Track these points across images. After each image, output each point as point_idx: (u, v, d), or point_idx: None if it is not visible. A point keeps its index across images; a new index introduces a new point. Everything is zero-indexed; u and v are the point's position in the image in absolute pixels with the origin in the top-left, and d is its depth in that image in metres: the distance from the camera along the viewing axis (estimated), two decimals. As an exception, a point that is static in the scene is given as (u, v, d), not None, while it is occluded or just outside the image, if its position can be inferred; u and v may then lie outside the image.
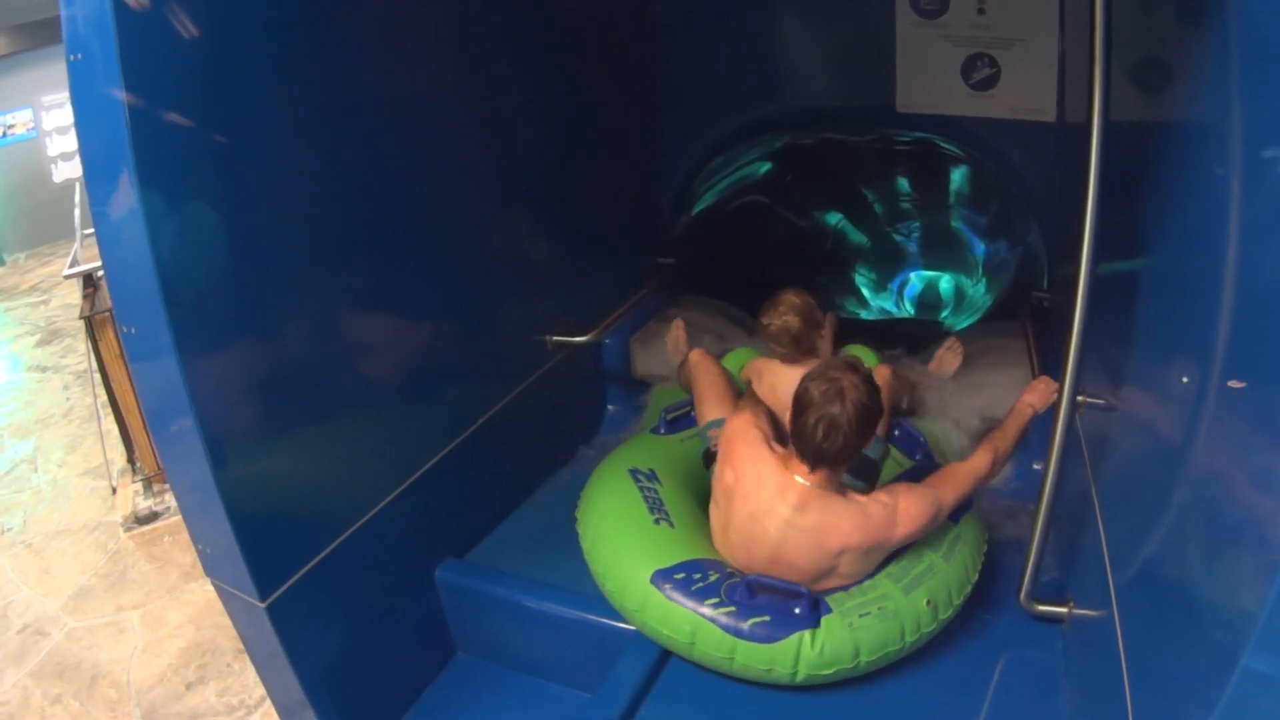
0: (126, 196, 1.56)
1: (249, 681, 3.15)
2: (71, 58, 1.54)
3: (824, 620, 2.01)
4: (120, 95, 1.50)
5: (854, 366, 2.06)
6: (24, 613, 3.74)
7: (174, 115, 1.62)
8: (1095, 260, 1.95)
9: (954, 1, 2.99)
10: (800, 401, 2.04)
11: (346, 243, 2.09)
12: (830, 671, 2.02)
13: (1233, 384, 0.97)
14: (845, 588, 2.13)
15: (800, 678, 2.02)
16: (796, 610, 2.01)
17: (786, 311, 2.64)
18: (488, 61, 2.54)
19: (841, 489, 2.13)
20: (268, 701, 2.35)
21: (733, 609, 2.03)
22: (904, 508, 2.09)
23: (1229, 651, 1.01)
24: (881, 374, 2.73)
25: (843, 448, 2.01)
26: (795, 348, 2.67)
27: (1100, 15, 1.85)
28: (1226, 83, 1.30)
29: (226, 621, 2.08)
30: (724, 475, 2.22)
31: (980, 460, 2.30)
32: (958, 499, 2.22)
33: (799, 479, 2.08)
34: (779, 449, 2.19)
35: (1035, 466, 2.70)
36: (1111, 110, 1.92)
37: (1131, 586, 1.60)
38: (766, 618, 2.01)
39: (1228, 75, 1.30)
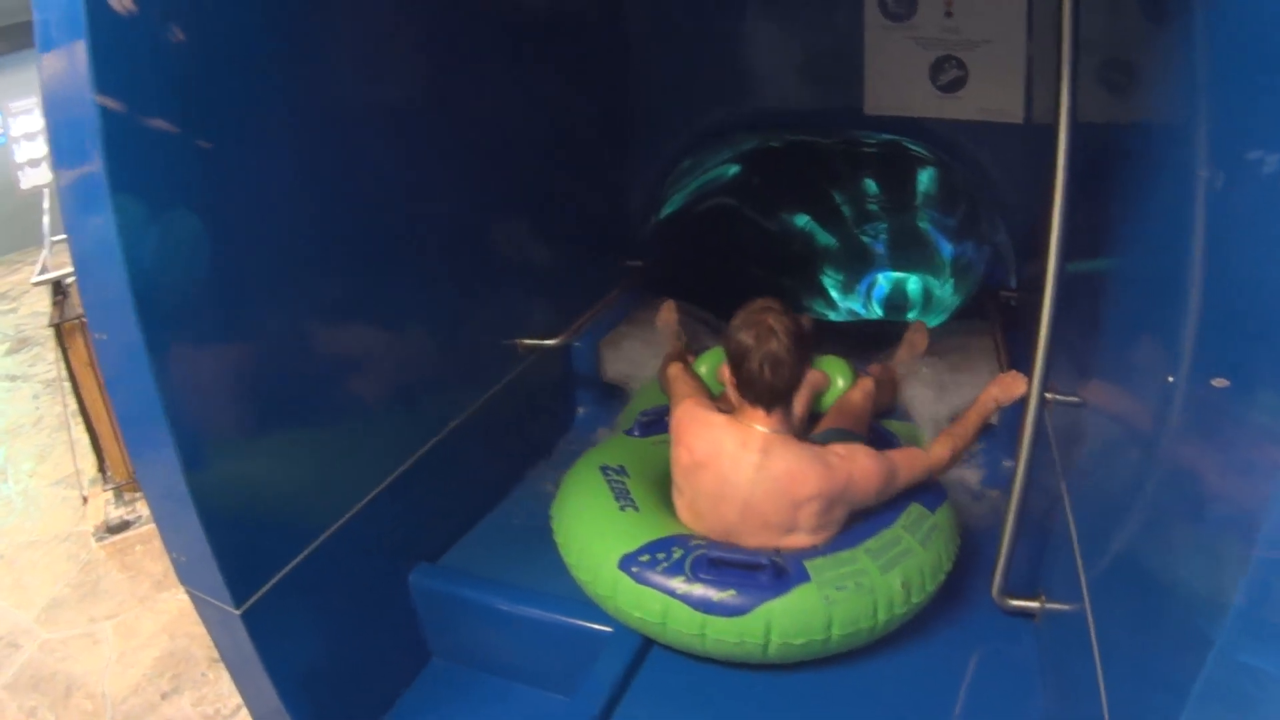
0: (99, 201, 1.54)
1: (224, 690, 3.12)
2: (43, 61, 1.53)
3: (799, 589, 2.04)
4: (92, 100, 1.49)
5: (770, 305, 2.16)
6: (-4, 625, 3.70)
7: (147, 118, 1.61)
8: (1063, 258, 1.98)
9: (922, 4, 3.02)
10: (737, 353, 2.14)
11: (320, 248, 2.09)
12: (801, 642, 2.04)
13: (1216, 383, 0.99)
14: (815, 550, 2.16)
15: (772, 649, 2.04)
16: (762, 580, 2.05)
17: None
18: (459, 67, 2.55)
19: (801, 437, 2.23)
20: (244, 710, 2.34)
21: (699, 585, 2.06)
22: (860, 463, 2.17)
23: (1202, 638, 1.02)
24: (865, 386, 2.77)
25: (790, 377, 2.14)
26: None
27: (1068, 16, 1.88)
28: (1192, 83, 1.33)
29: (200, 630, 2.08)
30: (680, 458, 2.27)
31: (938, 452, 2.37)
32: (910, 479, 2.28)
33: (758, 427, 2.16)
34: (727, 411, 2.26)
35: (1006, 463, 2.73)
36: (1080, 111, 1.95)
37: (1102, 580, 1.62)
38: (733, 591, 2.04)
39: (1193, 75, 1.32)
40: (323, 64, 2.07)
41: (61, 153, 1.60)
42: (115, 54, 1.52)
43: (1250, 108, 1.08)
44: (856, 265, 4.90)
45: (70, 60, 1.50)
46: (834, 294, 4.85)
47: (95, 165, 1.53)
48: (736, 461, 2.16)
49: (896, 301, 4.86)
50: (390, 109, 2.31)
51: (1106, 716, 1.43)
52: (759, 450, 2.15)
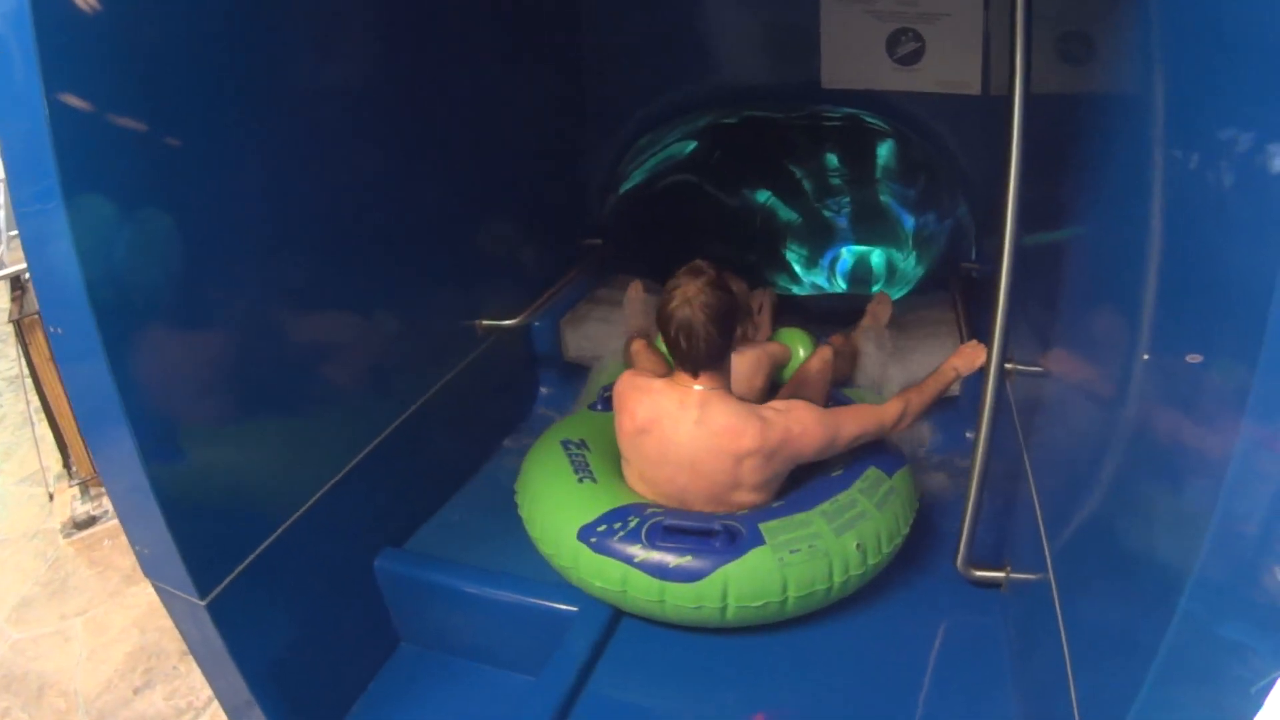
0: (48, 195, 1.52)
1: (196, 683, 3.12)
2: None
3: (754, 551, 2.07)
4: (39, 90, 1.47)
5: (696, 270, 2.18)
6: (-35, 626, 3.67)
7: (98, 111, 1.59)
8: (1019, 229, 2.00)
9: (878, -22, 3.02)
10: (659, 320, 2.18)
11: (277, 236, 2.07)
12: (758, 604, 2.07)
13: (1191, 358, 1.00)
14: (770, 510, 2.19)
15: (730, 613, 2.07)
16: (716, 545, 2.08)
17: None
18: (409, 47, 2.53)
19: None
20: (215, 702, 2.34)
21: (656, 552, 2.09)
22: (797, 417, 2.20)
23: (1165, 606, 1.03)
24: (823, 354, 2.78)
25: (708, 348, 2.15)
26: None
27: None
28: (1148, 54, 1.33)
29: (170, 624, 2.06)
30: (624, 425, 2.30)
31: (890, 408, 2.38)
32: (858, 434, 2.29)
33: (695, 387, 2.19)
34: (664, 376, 2.29)
35: (968, 435, 2.75)
36: (1037, 83, 1.96)
37: (1064, 549, 1.64)
38: (689, 557, 2.07)
39: (1149, 46, 1.33)
40: (275, 51, 2.04)
41: (10, 147, 1.57)
42: (62, 43, 1.49)
43: (1204, 79, 1.09)
44: (819, 240, 4.91)
45: (15, 50, 1.47)
46: (798, 268, 4.87)
47: (45, 161, 1.50)
48: (676, 421, 2.19)
49: (860, 275, 4.88)
50: (347, 95, 2.29)
51: (1072, 686, 1.45)
52: (696, 407, 2.18)
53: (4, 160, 1.59)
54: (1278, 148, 0.89)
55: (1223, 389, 0.98)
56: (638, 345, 2.86)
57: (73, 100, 1.53)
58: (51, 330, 1.70)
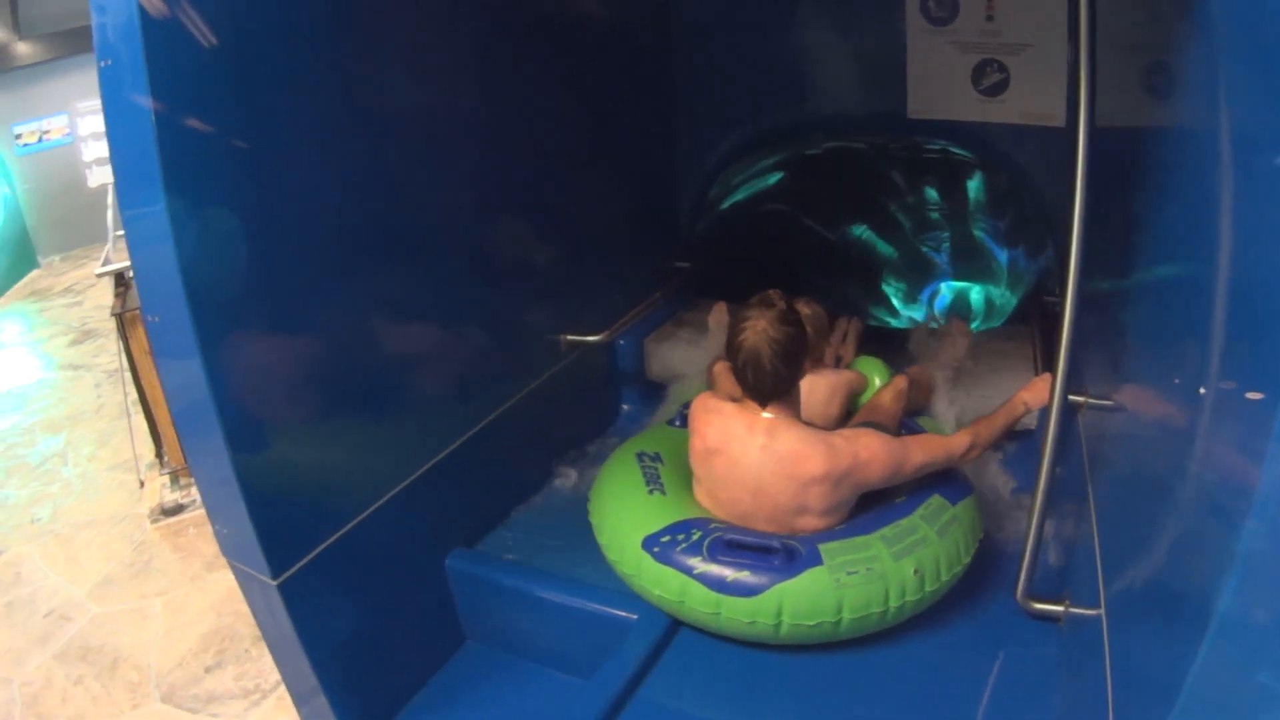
0: (153, 195, 1.63)
1: (265, 667, 3.22)
2: (102, 64, 1.62)
3: (811, 571, 2.08)
4: (147, 101, 1.58)
5: (767, 301, 2.20)
6: (50, 598, 3.83)
7: (198, 120, 1.69)
8: (1084, 261, 1.99)
9: (963, 8, 3.02)
10: (728, 349, 2.20)
11: (364, 244, 2.16)
12: (812, 624, 2.08)
13: (1251, 395, 1.00)
14: (830, 532, 2.21)
15: (784, 630, 2.09)
16: (775, 562, 2.10)
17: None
18: (506, 68, 2.61)
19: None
20: (283, 686, 2.41)
21: (715, 566, 2.13)
22: (864, 444, 2.20)
23: (1189, 646, 1.03)
24: (898, 385, 2.78)
25: (775, 382, 2.18)
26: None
27: (1085, 19, 1.89)
28: (1214, 83, 1.33)
29: (245, 609, 2.15)
30: (695, 447, 2.33)
31: (959, 439, 2.37)
32: (925, 463, 2.29)
33: (764, 414, 2.21)
34: (736, 400, 2.31)
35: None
36: (1116, 114, 1.95)
37: (1117, 584, 1.62)
38: (747, 573, 2.10)
39: (1216, 75, 1.33)
40: (368, 68, 2.14)
41: (118, 150, 1.68)
42: (169, 58, 1.60)
43: (1273, 107, 1.09)
44: (918, 274, 4.86)
45: (126, 64, 1.58)
46: (896, 302, 4.83)
47: (149, 163, 1.61)
48: (745, 445, 2.22)
49: (959, 311, 4.82)
50: (436, 113, 2.38)
51: None
52: (764, 433, 2.20)
53: (113, 165, 1.71)
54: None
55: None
56: (720, 367, 2.89)
57: (175, 111, 1.63)
58: (150, 319, 1.81)
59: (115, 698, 3.22)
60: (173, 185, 1.63)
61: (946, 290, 4.88)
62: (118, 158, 1.69)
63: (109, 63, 1.61)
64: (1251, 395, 1.01)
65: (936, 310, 4.82)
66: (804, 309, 2.66)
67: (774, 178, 4.22)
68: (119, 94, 1.62)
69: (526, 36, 2.68)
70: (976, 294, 4.80)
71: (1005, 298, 4.53)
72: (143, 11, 1.55)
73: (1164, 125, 1.73)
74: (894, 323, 4.69)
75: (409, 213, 2.29)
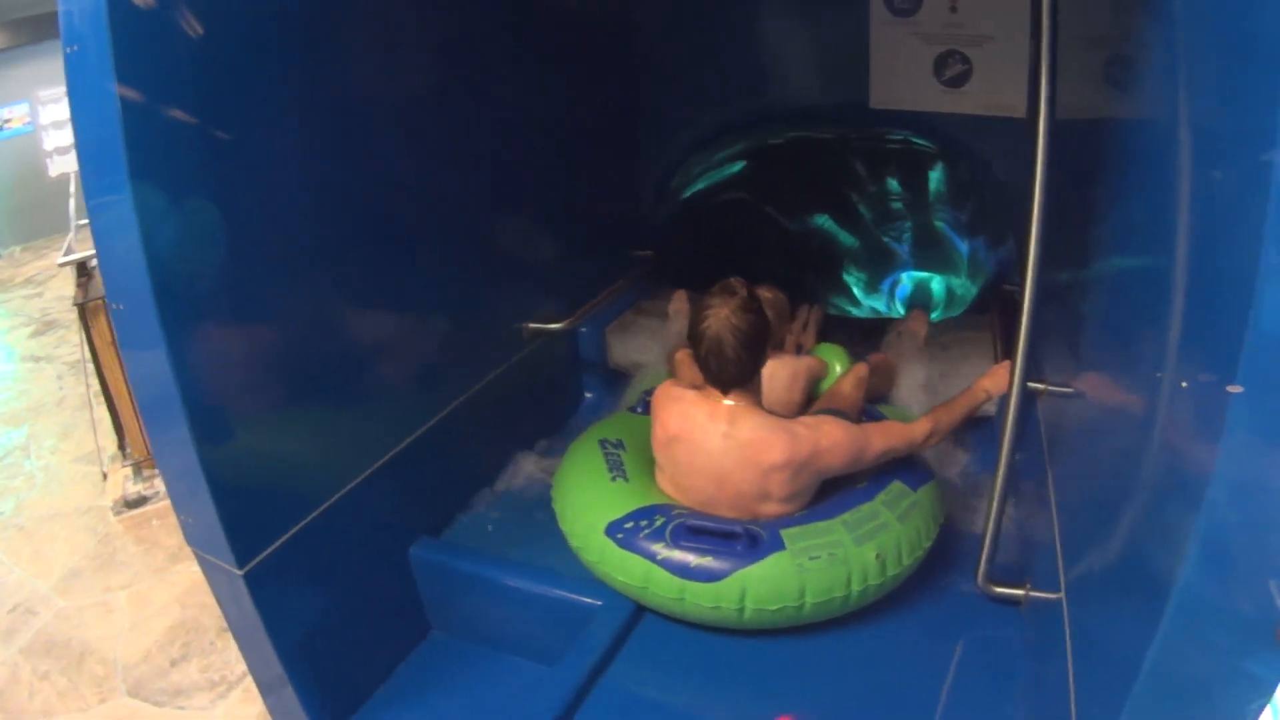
0: (118, 183, 1.62)
1: (231, 659, 3.21)
2: (68, 50, 1.61)
3: (774, 556, 2.11)
4: (113, 86, 1.56)
5: (729, 289, 2.21)
6: (15, 593, 3.80)
7: (165, 107, 1.68)
8: (1043, 249, 2.01)
9: (926, 0, 3.06)
10: (690, 337, 2.23)
11: (331, 232, 2.15)
12: (775, 609, 2.10)
13: (1231, 389, 1.01)
14: (792, 518, 2.23)
15: (748, 615, 2.11)
16: (737, 548, 2.12)
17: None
18: (471, 58, 2.61)
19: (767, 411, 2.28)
20: (249, 677, 2.41)
21: (678, 551, 2.14)
22: (826, 432, 2.23)
23: (1148, 626, 1.05)
24: (858, 372, 2.80)
25: (737, 370, 2.20)
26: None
27: (1047, 12, 1.92)
28: (1174, 74, 1.35)
29: (210, 601, 2.15)
30: (657, 435, 2.35)
31: (919, 426, 2.39)
32: (886, 450, 2.31)
33: (726, 402, 2.23)
34: (698, 388, 2.32)
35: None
36: (1077, 106, 1.97)
37: (1076, 567, 1.65)
38: (709, 558, 2.12)
39: (1176, 66, 1.35)
40: (337, 56, 2.13)
41: (84, 137, 1.67)
42: (136, 46, 1.59)
43: (1231, 102, 1.10)
44: (880, 265, 4.88)
45: (93, 49, 1.57)
46: (857, 292, 4.85)
47: (115, 150, 1.60)
48: (707, 433, 2.23)
49: (920, 301, 4.86)
50: (402, 101, 2.37)
51: (1073, 706, 1.46)
52: (726, 420, 2.22)
53: (78, 152, 1.70)
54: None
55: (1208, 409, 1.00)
56: (680, 355, 2.91)
57: (142, 98, 1.62)
58: (114, 307, 1.80)
59: (82, 692, 3.20)
60: (138, 172, 1.62)
61: (908, 280, 4.90)
62: (83, 145, 1.67)
63: (75, 48, 1.60)
64: (1232, 389, 1.01)
65: (898, 300, 4.86)
66: (765, 294, 2.69)
67: (736, 167, 4.23)
68: (85, 80, 1.61)
69: (489, 26, 2.68)
70: (937, 284, 4.83)
71: (966, 287, 4.56)
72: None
73: (1124, 118, 1.75)
74: (855, 312, 4.71)
75: (373, 202, 2.28)
